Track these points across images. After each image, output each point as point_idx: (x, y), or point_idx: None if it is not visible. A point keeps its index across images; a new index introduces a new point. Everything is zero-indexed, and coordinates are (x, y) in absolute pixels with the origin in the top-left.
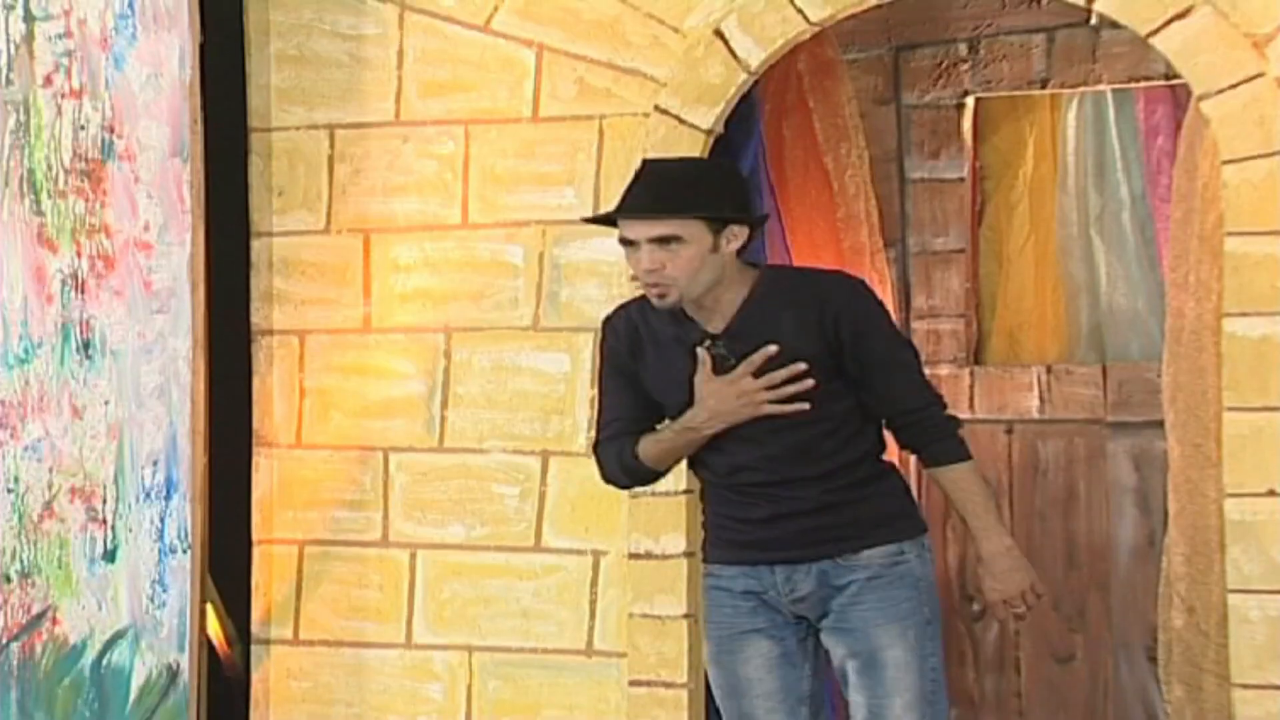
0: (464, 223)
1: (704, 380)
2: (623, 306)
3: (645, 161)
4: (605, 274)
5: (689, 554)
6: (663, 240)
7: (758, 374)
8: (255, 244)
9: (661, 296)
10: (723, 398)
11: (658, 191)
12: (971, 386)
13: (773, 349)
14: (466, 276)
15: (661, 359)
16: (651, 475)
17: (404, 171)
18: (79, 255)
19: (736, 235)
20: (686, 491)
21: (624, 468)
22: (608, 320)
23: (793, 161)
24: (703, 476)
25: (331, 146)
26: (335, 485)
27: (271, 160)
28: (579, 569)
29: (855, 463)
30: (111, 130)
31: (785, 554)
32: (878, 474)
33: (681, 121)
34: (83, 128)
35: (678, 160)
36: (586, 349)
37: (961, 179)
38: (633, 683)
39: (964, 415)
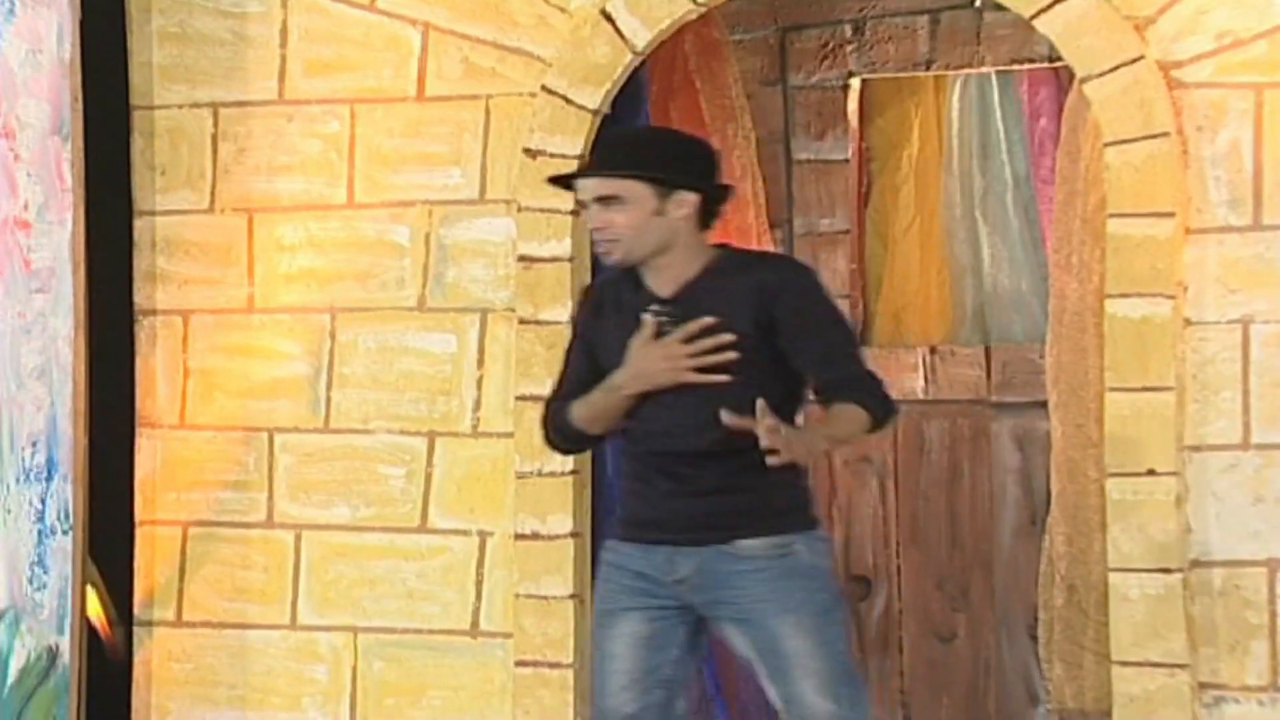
0: (349, 202)
1: (639, 343)
2: (597, 279)
3: (606, 128)
4: (492, 254)
5: (575, 534)
6: (605, 200)
7: (691, 343)
8: (138, 223)
9: (609, 255)
10: (648, 359)
11: (604, 153)
12: None
13: (709, 320)
14: (352, 257)
15: (617, 324)
16: (583, 438)
17: (288, 151)
18: None
19: (685, 202)
20: (573, 472)
21: (558, 428)
22: (588, 286)
23: None
24: (623, 448)
25: (215, 125)
26: (219, 466)
27: (154, 139)
28: (465, 550)
29: (756, 448)
30: None
31: (672, 535)
32: (780, 465)
33: (568, 102)
34: None
35: (636, 127)
36: (473, 329)
37: (847, 160)
38: (519, 663)
39: None
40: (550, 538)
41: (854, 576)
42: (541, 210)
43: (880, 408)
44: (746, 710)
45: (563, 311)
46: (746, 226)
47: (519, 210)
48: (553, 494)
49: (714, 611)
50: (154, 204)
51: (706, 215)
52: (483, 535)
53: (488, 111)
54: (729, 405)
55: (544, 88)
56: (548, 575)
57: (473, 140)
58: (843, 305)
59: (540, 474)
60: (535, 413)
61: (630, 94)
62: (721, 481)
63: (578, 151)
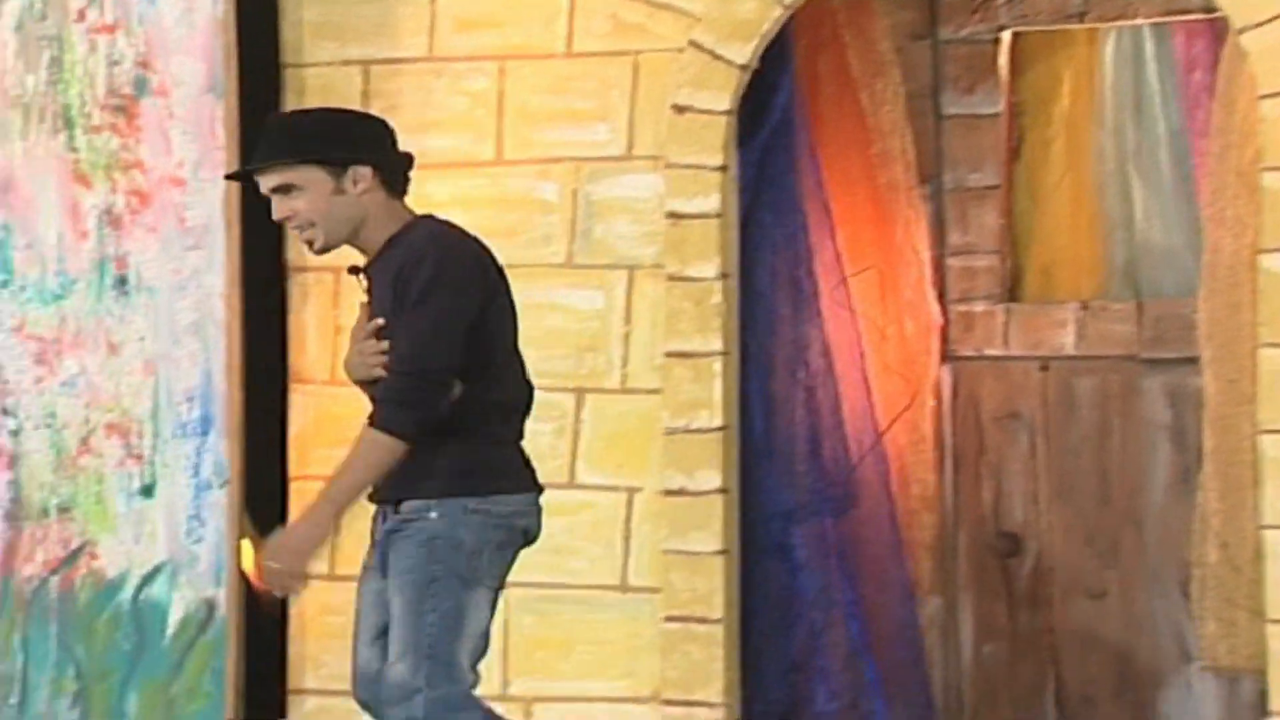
0: (497, 159)
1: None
2: None
3: (266, 118)
4: (639, 211)
5: (723, 490)
6: (283, 189)
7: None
8: None
9: (309, 243)
10: (352, 354)
11: (266, 144)
12: (1006, 323)
13: (380, 321)
14: (499, 213)
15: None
16: None
17: (437, 108)
18: (114, 191)
19: (361, 176)
20: (722, 428)
21: None
22: None
23: (827, 98)
24: None
25: (365, 83)
26: None
27: (305, 97)
28: (613, 505)
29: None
30: (145, 66)
31: (378, 494)
32: (444, 433)
33: (716, 57)
34: (116, 63)
35: (292, 112)
36: (620, 286)
37: (997, 114)
38: (667, 618)
39: (998, 351)
40: (698, 493)
41: (1002, 533)
42: (689, 166)
43: (384, 410)
44: (895, 666)
45: (711, 268)
46: (895, 182)
47: (667, 167)
48: (700, 450)
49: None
50: None
51: (392, 183)
52: (630, 491)
53: (635, 67)
54: None
55: (692, 43)
56: (696, 531)
57: (620, 96)
58: (992, 261)
59: (688, 430)
60: (684, 369)
61: (778, 49)
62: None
63: (726, 107)
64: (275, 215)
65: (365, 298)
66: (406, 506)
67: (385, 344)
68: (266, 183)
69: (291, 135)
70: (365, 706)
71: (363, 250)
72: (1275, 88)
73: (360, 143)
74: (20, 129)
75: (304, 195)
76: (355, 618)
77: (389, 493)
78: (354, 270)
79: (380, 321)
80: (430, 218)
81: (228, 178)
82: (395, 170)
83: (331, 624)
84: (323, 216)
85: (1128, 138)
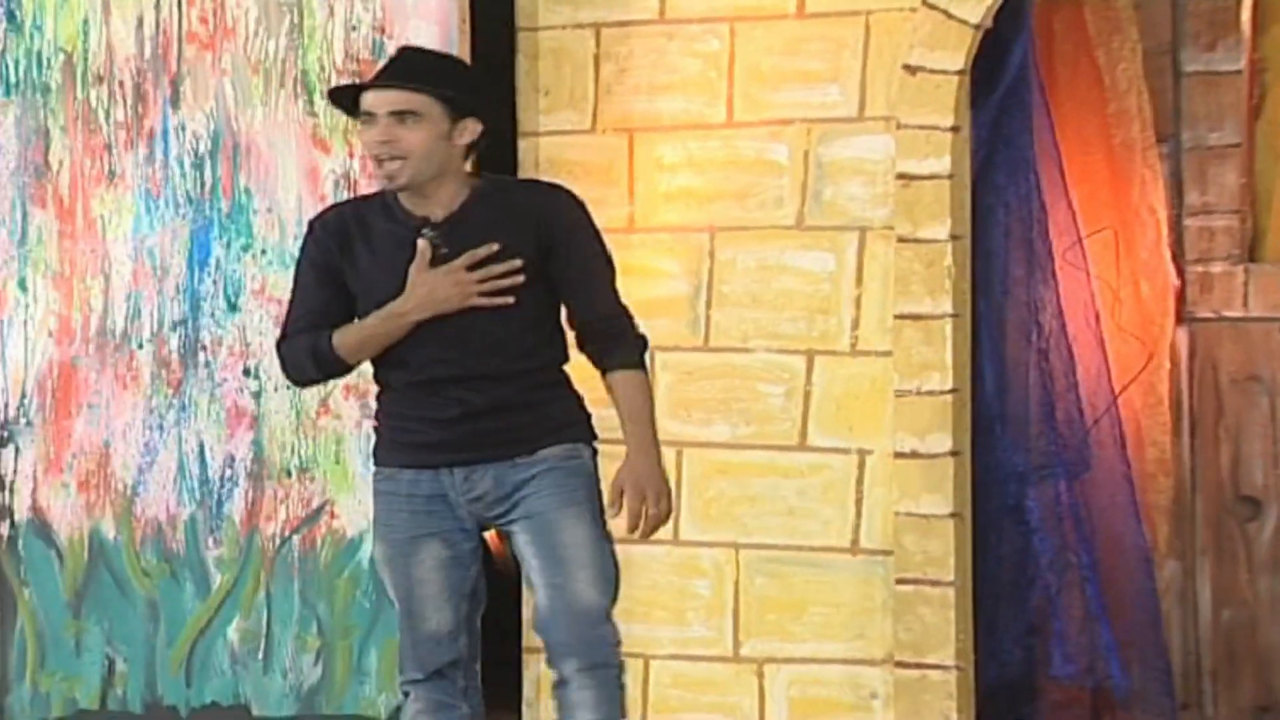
0: (728, 121)
1: (418, 269)
2: (334, 206)
3: (403, 46)
4: (870, 173)
5: (955, 453)
6: (400, 114)
7: (475, 269)
8: (522, 144)
9: (391, 178)
10: (435, 285)
11: (404, 68)
12: (1246, 284)
13: (495, 246)
14: (730, 175)
15: (374, 255)
16: (341, 367)
17: (668, 70)
18: (351, 156)
19: (470, 130)
20: (953, 390)
21: (315, 356)
22: (316, 219)
23: (1063, 56)
24: (390, 378)
25: (597, 45)
26: (597, 383)
27: (538, 60)
28: (844, 468)
29: (542, 368)
30: (382, 31)
31: (465, 455)
32: (559, 381)
33: (949, 16)
34: (354, 28)
35: (432, 49)
36: (851, 248)
37: (1239, 71)
38: (899, 580)
39: (1237, 313)
40: (930, 456)
41: (1242, 497)
42: (921, 127)
43: (640, 347)
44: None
45: (942, 229)
46: (1131, 141)
47: (898, 128)
48: (932, 413)
49: (505, 519)
50: (538, 125)
51: (477, 148)
52: (861, 453)
53: (867, 28)
54: (512, 329)
55: (925, 2)
56: (928, 494)
57: (852, 57)
58: (1232, 221)
59: (919, 393)
60: (914, 331)
61: (1012, 8)
62: (514, 398)
63: (959, 67)
64: (376, 136)
65: (424, 241)
66: (551, 452)
67: (483, 273)
68: (385, 103)
69: (430, 67)
70: (436, 675)
71: (422, 199)
72: None
73: (482, 97)
74: (261, 94)
75: (420, 127)
76: (414, 584)
77: (509, 447)
78: (432, 225)
79: (495, 246)
80: (490, 174)
81: (332, 92)
82: (488, 137)
83: None
84: (423, 154)
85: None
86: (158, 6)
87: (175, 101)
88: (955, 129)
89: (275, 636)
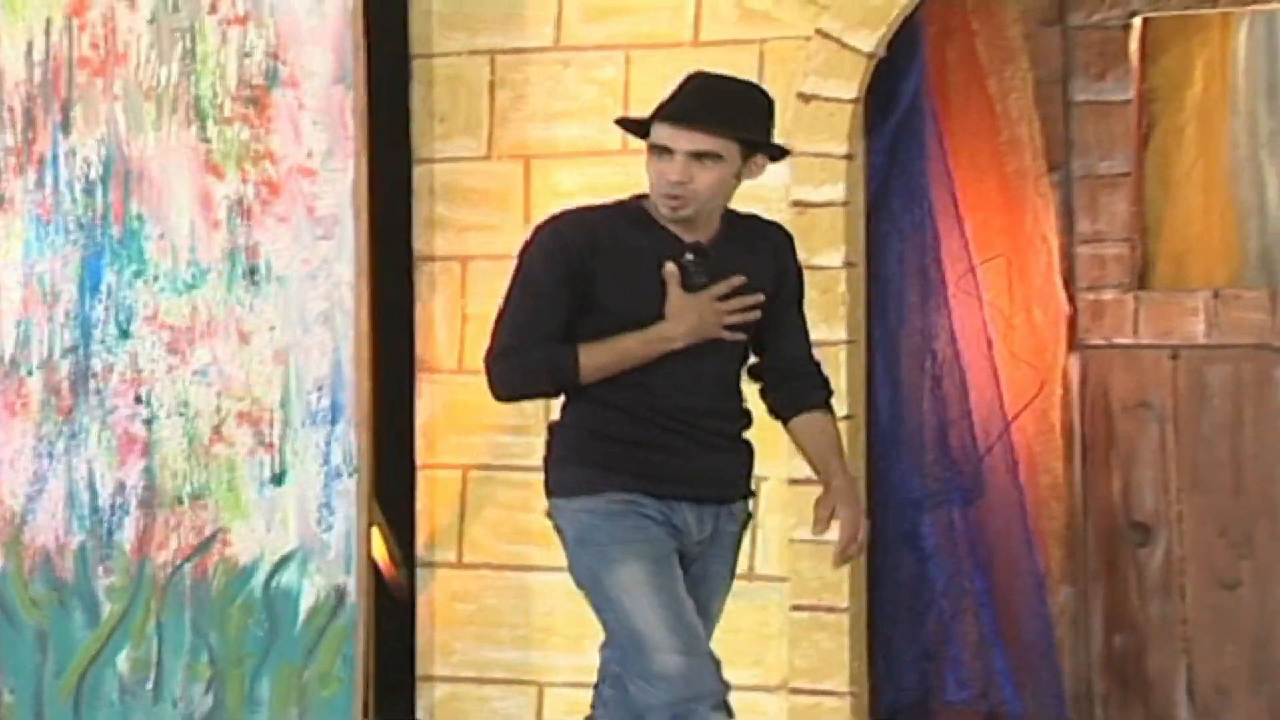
0: (624, 149)
1: (679, 294)
2: (569, 213)
3: (695, 74)
4: (765, 199)
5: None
6: (699, 155)
7: (725, 298)
8: (417, 170)
9: (674, 210)
10: (703, 312)
11: (709, 106)
12: (1136, 311)
13: (742, 279)
14: None
15: (630, 270)
16: (574, 385)
17: (565, 97)
18: (244, 181)
19: (758, 166)
20: (848, 417)
21: (555, 372)
22: (556, 225)
23: (955, 85)
24: (622, 399)
25: (493, 72)
26: (498, 410)
27: (433, 87)
28: None
29: (742, 408)
30: (276, 57)
31: (695, 490)
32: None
33: (843, 45)
34: (248, 54)
35: (727, 77)
36: None
37: (1128, 101)
38: (795, 607)
39: (1128, 340)
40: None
41: (1133, 523)
42: (816, 155)
43: (831, 392)
44: (1026, 655)
45: (837, 257)
46: (1023, 169)
47: (794, 155)
48: None
49: (687, 557)
50: (433, 151)
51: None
52: (758, 480)
53: (762, 56)
54: (735, 365)
55: (819, 31)
56: None
57: None
58: (1122, 249)
59: None
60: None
61: (906, 37)
62: (729, 440)
63: (853, 95)
64: (672, 175)
65: (672, 264)
66: (740, 507)
67: (735, 304)
68: (686, 142)
69: (732, 104)
70: (695, 700)
71: (689, 225)
72: None
73: (772, 131)
74: (154, 120)
75: (716, 168)
76: (671, 602)
77: (729, 489)
78: (698, 250)
79: (741, 279)
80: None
81: (623, 122)
82: (774, 162)
83: (460, 611)
84: (714, 193)
85: (1261, 124)
86: (48, 32)
87: (66, 127)
88: (849, 157)
89: (166, 666)
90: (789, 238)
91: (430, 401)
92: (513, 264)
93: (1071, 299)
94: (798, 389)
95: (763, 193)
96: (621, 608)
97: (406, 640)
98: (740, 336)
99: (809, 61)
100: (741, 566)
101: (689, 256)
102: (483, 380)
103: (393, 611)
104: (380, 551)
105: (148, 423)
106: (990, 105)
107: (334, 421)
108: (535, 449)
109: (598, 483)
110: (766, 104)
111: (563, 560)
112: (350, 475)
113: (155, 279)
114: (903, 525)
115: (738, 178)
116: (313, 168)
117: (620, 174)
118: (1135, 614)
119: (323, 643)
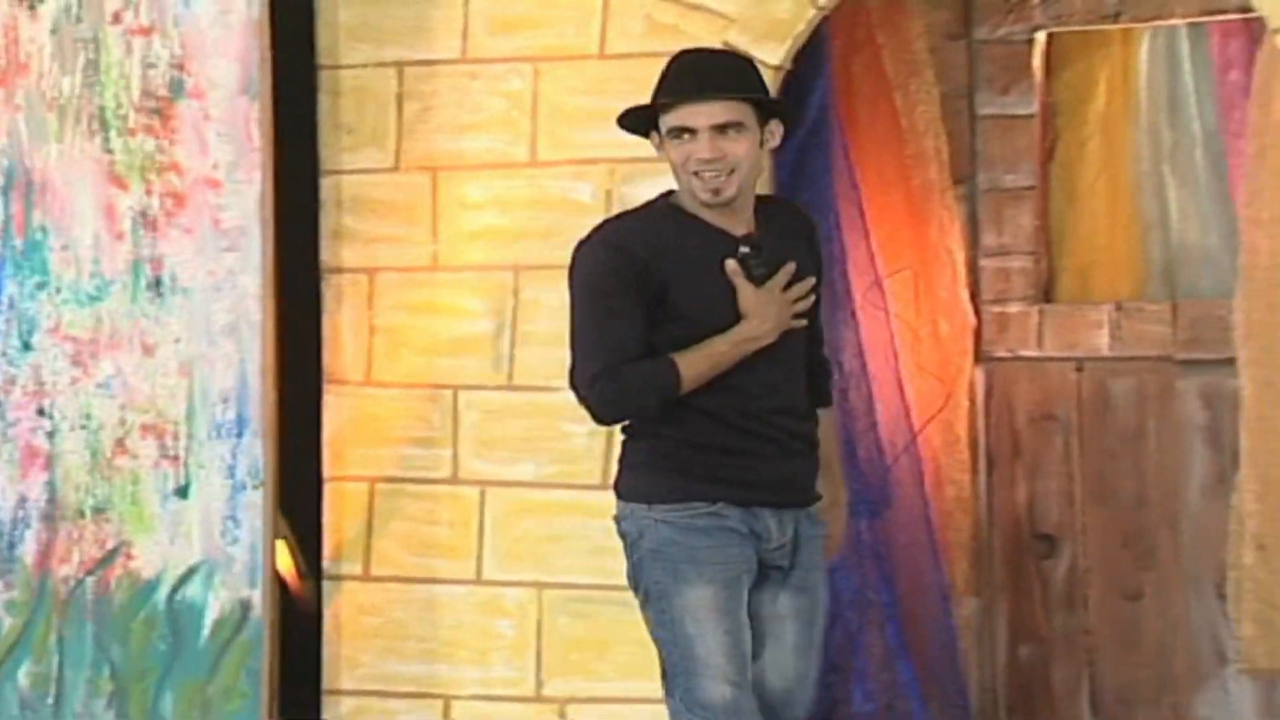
0: (532, 160)
1: (751, 290)
2: (622, 226)
3: (683, 51)
4: None
5: None
6: (723, 127)
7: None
8: (324, 182)
9: (717, 192)
10: (780, 305)
11: (718, 77)
12: (1040, 324)
13: (792, 265)
14: (535, 214)
15: (700, 274)
16: (673, 402)
17: (472, 109)
18: (149, 193)
19: (775, 133)
20: None
21: (662, 389)
22: (612, 243)
23: (862, 98)
24: (710, 405)
25: (400, 84)
26: (405, 423)
27: (340, 98)
28: None
29: (811, 406)
30: (181, 68)
31: (777, 496)
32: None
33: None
34: (152, 65)
35: (711, 50)
36: None
37: (1032, 115)
38: None
39: (1033, 353)
40: None
41: (1038, 534)
42: None
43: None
44: (932, 667)
45: None
46: (929, 182)
47: None
48: None
49: (782, 574)
50: (340, 163)
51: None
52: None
53: None
54: (800, 359)
55: (726, 44)
56: None
57: None
58: (1027, 262)
59: None
60: None
61: (813, 50)
62: (805, 442)
63: None
64: (703, 153)
65: (733, 261)
66: (816, 508)
67: (797, 291)
68: (707, 116)
69: (739, 71)
70: None
71: (730, 214)
72: None
73: (782, 97)
74: (56, 131)
75: (744, 138)
76: (737, 628)
77: (807, 494)
78: (752, 242)
79: (792, 266)
80: None
81: (626, 114)
82: (789, 130)
83: (366, 624)
84: (750, 165)
85: (1163, 138)
86: None
87: None
88: None
89: (67, 680)
90: (816, 221)
91: (337, 414)
92: (424, 276)
93: (977, 311)
94: (816, 384)
95: None
96: (683, 629)
97: (312, 654)
98: (803, 323)
99: None
100: None
101: (744, 249)
102: (389, 393)
103: (298, 625)
104: (286, 565)
105: (50, 435)
106: (896, 118)
107: (239, 434)
108: (443, 462)
109: (681, 491)
110: (754, 68)
111: (469, 573)
112: (256, 488)
113: (58, 291)
114: None
115: (760, 144)
116: (218, 179)
117: (528, 187)
118: (1040, 625)
119: (227, 657)
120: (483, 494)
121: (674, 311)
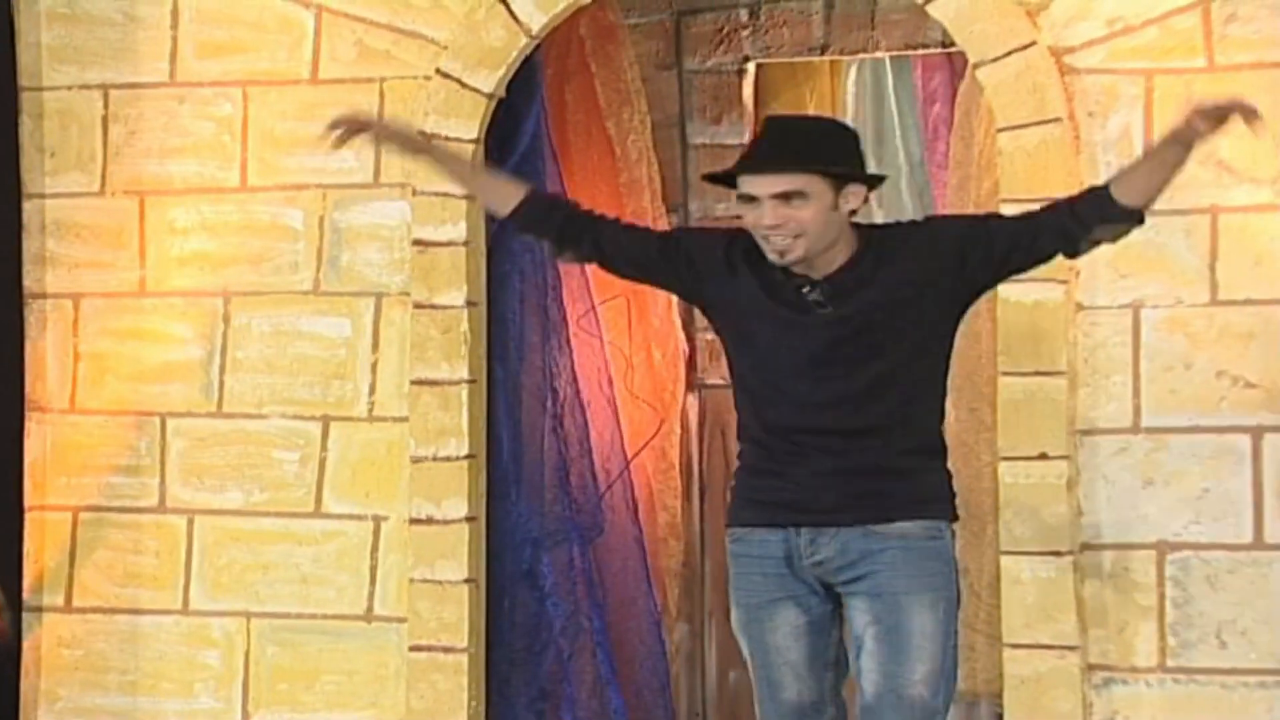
0: (242, 186)
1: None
2: (742, 237)
3: (769, 118)
4: (386, 238)
5: (470, 519)
6: (785, 196)
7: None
8: (27, 205)
9: (782, 254)
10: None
11: (781, 148)
12: None
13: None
14: (245, 240)
15: (753, 288)
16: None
17: (180, 133)
18: None
19: (854, 195)
20: (469, 456)
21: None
22: (729, 234)
23: (575, 126)
24: (753, 430)
25: (105, 107)
26: (111, 451)
27: (43, 120)
28: (359, 534)
29: (919, 427)
30: None
31: (815, 516)
32: (936, 447)
33: (463, 85)
34: None
35: (800, 117)
36: (367, 313)
37: (743, 144)
38: (413, 648)
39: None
40: (445, 522)
41: None
42: (437, 194)
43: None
44: (642, 693)
45: (458, 296)
46: (642, 210)
47: (414, 194)
48: (447, 478)
49: (849, 586)
50: (43, 186)
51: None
52: (377, 520)
53: (382, 95)
54: (886, 368)
55: (439, 71)
56: (442, 560)
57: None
58: None
59: (435, 458)
60: (431, 397)
61: (525, 78)
62: (887, 461)
63: (473, 135)
64: (765, 221)
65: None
66: (909, 527)
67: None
68: (767, 186)
69: (808, 141)
70: None
71: (806, 264)
72: (1012, 121)
73: (860, 159)
74: None
75: (809, 205)
76: (771, 652)
77: (864, 513)
78: (811, 284)
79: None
80: (865, 226)
81: (712, 178)
82: (874, 190)
83: (67, 657)
84: (817, 230)
85: (869, 167)
86: None
87: None
88: (470, 197)
89: None
90: (925, 221)
91: (40, 441)
92: (131, 301)
93: (690, 339)
94: (1087, 206)
95: (383, 232)
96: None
97: (10, 687)
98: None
99: (429, 101)
100: (360, 608)
101: (805, 289)
102: (94, 420)
103: None
104: None
105: None
106: (610, 146)
107: None
108: (148, 490)
109: (728, 517)
110: (843, 134)
111: (175, 603)
112: None
113: None
114: (521, 564)
115: (837, 210)
116: None
117: (238, 212)
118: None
119: None
120: (190, 522)
121: (723, 316)
